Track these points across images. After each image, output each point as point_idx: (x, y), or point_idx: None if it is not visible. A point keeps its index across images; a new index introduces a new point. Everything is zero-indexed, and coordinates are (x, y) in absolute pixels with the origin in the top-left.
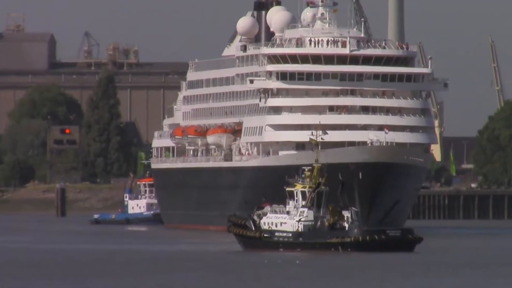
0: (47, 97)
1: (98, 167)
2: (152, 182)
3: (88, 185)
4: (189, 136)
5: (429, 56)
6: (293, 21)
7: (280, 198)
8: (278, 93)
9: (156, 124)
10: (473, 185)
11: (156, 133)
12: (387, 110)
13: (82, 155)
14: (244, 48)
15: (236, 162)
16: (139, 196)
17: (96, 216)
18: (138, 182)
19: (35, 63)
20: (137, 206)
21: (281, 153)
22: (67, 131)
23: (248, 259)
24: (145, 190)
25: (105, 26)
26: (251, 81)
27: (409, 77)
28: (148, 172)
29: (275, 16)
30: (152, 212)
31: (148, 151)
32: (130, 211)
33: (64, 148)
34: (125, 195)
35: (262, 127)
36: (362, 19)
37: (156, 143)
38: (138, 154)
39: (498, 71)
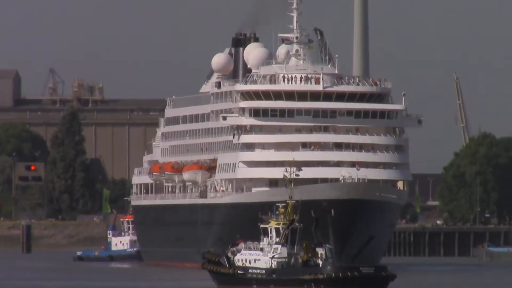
0: (12, 134)
1: (64, 203)
2: None
3: (54, 221)
4: (166, 173)
5: (403, 93)
6: (270, 58)
7: (255, 234)
8: (251, 129)
9: (121, 161)
10: (438, 222)
11: (135, 170)
12: (360, 147)
13: (47, 191)
14: (218, 85)
15: (211, 199)
16: (123, 233)
17: (79, 253)
18: (121, 219)
19: (0, 100)
20: (120, 243)
21: (254, 189)
22: (33, 167)
23: None
24: (128, 227)
25: (70, 63)
26: (224, 118)
27: (382, 114)
28: (131, 209)
29: (252, 53)
30: (135, 249)
31: (113, 187)
32: (114, 248)
33: (30, 184)
34: (108, 232)
35: (235, 163)
36: (327, 56)
37: (136, 179)
38: (103, 191)
39: (463, 108)
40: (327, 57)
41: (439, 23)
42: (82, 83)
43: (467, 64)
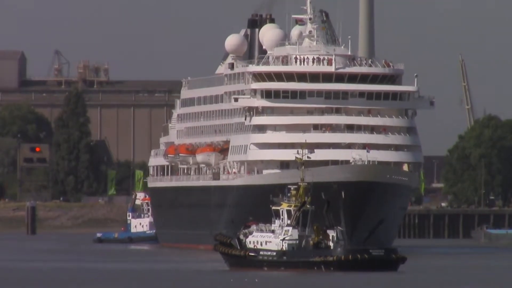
0: (17, 115)
1: (68, 185)
2: None
3: (58, 203)
4: (180, 154)
5: (415, 74)
6: (284, 39)
7: (267, 217)
8: (263, 111)
9: (126, 142)
10: (443, 204)
11: (152, 152)
12: (372, 129)
13: (52, 173)
14: (231, 66)
15: (224, 181)
16: (142, 215)
17: (99, 234)
18: (142, 201)
19: (5, 81)
20: (139, 224)
21: (265, 171)
22: (37, 149)
23: (227, 277)
24: (148, 209)
25: (76, 44)
26: (236, 99)
27: (394, 95)
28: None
29: (267, 34)
30: (154, 230)
31: (118, 169)
32: (133, 229)
33: (34, 166)
34: (128, 213)
35: (247, 145)
36: (332, 38)
37: (152, 161)
38: (108, 172)
39: (468, 90)
40: (332, 38)
41: (444, 5)
42: (87, 65)
43: (473, 45)
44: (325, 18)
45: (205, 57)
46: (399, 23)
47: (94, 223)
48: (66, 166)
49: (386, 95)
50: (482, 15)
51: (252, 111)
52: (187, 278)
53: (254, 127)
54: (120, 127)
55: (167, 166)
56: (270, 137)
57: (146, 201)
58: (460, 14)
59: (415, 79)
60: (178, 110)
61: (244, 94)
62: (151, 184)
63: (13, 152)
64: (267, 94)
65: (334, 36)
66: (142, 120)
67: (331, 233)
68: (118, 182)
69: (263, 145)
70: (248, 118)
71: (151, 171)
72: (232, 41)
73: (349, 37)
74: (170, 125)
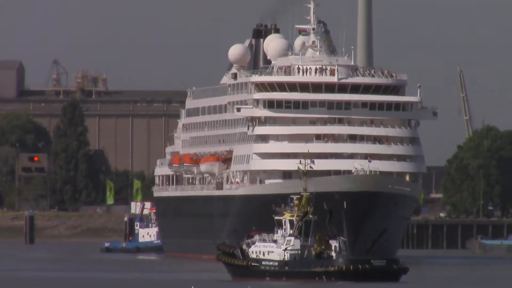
0: (16, 125)
1: (66, 194)
2: None
3: (57, 212)
4: (184, 164)
5: (418, 85)
6: (289, 49)
7: (270, 226)
8: (265, 121)
9: (124, 152)
10: (441, 215)
11: (158, 161)
12: (374, 139)
13: (50, 182)
14: (234, 76)
15: (227, 190)
16: (150, 225)
17: (107, 244)
18: (149, 211)
19: (3, 91)
20: (147, 234)
21: (267, 181)
22: (36, 158)
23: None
24: (156, 219)
25: (74, 54)
26: (238, 109)
27: (397, 106)
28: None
29: (271, 44)
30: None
31: (116, 178)
32: (141, 239)
33: (33, 175)
34: (135, 223)
35: (249, 155)
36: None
37: (158, 171)
38: (107, 182)
39: (466, 101)
40: (330, 49)
41: (442, 16)
42: (86, 74)
43: (471, 56)
44: (322, 29)
45: (211, 67)
46: (397, 33)
47: (92, 233)
48: (64, 175)
49: (389, 106)
50: (480, 24)
51: (254, 121)
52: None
53: (257, 137)
54: (118, 137)
55: (172, 175)
56: (272, 147)
57: (154, 210)
58: (458, 25)
59: (418, 90)
60: (183, 120)
61: (246, 104)
62: (157, 193)
63: (11, 161)
64: (270, 104)
65: (331, 46)
66: (140, 130)
67: (334, 243)
68: (116, 192)
69: (266, 155)
70: (250, 128)
71: (156, 181)
72: (235, 51)
73: (352, 47)
74: (175, 134)
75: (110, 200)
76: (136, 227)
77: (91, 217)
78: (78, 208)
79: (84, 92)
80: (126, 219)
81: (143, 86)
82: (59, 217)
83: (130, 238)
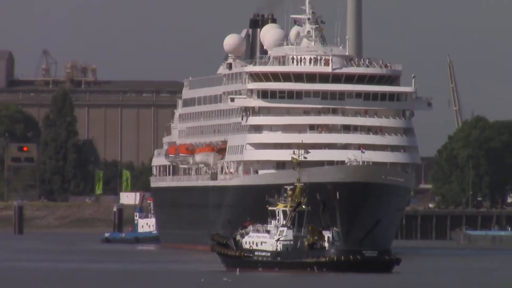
0: (5, 115)
1: (55, 184)
2: None
3: (46, 202)
4: (180, 154)
5: (413, 75)
6: (285, 39)
7: (264, 217)
8: (259, 111)
9: (113, 142)
10: (430, 205)
11: (155, 152)
12: (368, 129)
13: (39, 172)
14: (229, 66)
15: (221, 181)
16: (149, 215)
17: (106, 234)
18: (149, 201)
19: None
20: (146, 225)
21: (261, 172)
22: (25, 148)
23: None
24: (153, 209)
25: (64, 44)
26: (232, 100)
27: (392, 96)
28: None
29: (267, 34)
30: None
31: (105, 169)
32: (140, 230)
33: (22, 165)
34: (135, 213)
35: (243, 145)
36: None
37: (155, 161)
38: (96, 172)
39: (456, 91)
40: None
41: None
42: (75, 65)
43: (461, 47)
44: (318, 19)
45: (208, 57)
46: (387, 23)
47: (81, 223)
48: (53, 165)
49: (383, 96)
50: (470, 16)
51: (248, 111)
52: (177, 278)
53: (250, 127)
54: (107, 127)
55: (169, 166)
56: (266, 137)
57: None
58: (448, 15)
59: (413, 80)
60: (179, 110)
61: (241, 94)
62: (154, 184)
63: (0, 151)
64: (264, 94)
65: (322, 36)
66: (130, 120)
67: (327, 234)
68: (105, 182)
69: (259, 145)
70: (244, 118)
71: (154, 171)
72: (230, 41)
73: (346, 37)
74: (172, 125)
75: (99, 190)
76: (135, 218)
77: (80, 208)
78: (67, 198)
79: (73, 82)
80: (115, 209)
81: (133, 76)
82: (48, 207)
83: (130, 229)
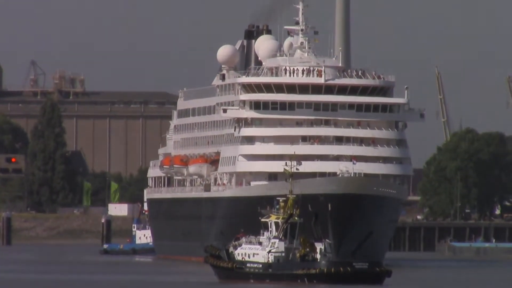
0: None
1: (44, 196)
2: None
3: (34, 214)
4: (174, 166)
5: (406, 86)
6: (279, 50)
7: (257, 228)
8: (252, 122)
9: (101, 153)
10: (419, 217)
11: (151, 163)
12: (361, 141)
13: (27, 183)
14: (222, 77)
15: (214, 192)
16: (147, 226)
17: (105, 246)
18: (145, 212)
19: None
20: (144, 236)
21: (253, 183)
22: (13, 159)
23: None
24: (148, 220)
25: (52, 55)
26: (224, 111)
27: (384, 107)
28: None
29: (262, 45)
30: None
31: (94, 180)
32: (138, 241)
33: (10, 176)
34: (133, 225)
35: (235, 157)
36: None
37: (150, 172)
38: (84, 183)
39: (444, 103)
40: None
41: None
42: (63, 75)
43: (449, 58)
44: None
45: (203, 68)
46: (375, 35)
47: (69, 234)
48: (41, 176)
49: (376, 107)
50: (458, 25)
51: (241, 122)
52: None
53: (243, 138)
54: (96, 138)
55: (164, 177)
56: (258, 148)
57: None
58: (436, 27)
59: (406, 91)
60: (174, 121)
61: (233, 105)
62: (149, 195)
63: None
64: (256, 106)
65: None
66: (118, 131)
67: (319, 246)
68: (93, 193)
69: (252, 157)
70: (237, 130)
71: (149, 182)
72: (223, 52)
73: (339, 48)
74: (167, 136)
75: (86, 202)
76: (133, 229)
77: (68, 219)
78: (55, 209)
79: (61, 93)
80: (103, 220)
81: (121, 87)
82: (36, 219)
83: (128, 240)
